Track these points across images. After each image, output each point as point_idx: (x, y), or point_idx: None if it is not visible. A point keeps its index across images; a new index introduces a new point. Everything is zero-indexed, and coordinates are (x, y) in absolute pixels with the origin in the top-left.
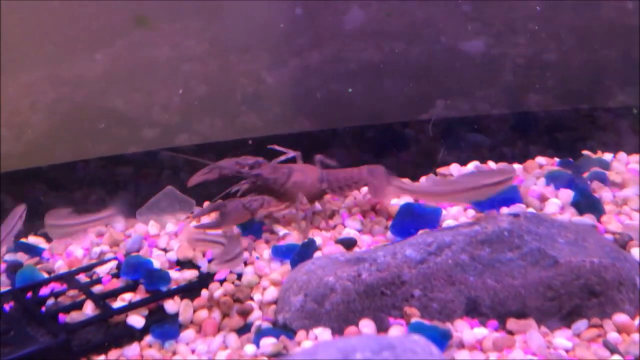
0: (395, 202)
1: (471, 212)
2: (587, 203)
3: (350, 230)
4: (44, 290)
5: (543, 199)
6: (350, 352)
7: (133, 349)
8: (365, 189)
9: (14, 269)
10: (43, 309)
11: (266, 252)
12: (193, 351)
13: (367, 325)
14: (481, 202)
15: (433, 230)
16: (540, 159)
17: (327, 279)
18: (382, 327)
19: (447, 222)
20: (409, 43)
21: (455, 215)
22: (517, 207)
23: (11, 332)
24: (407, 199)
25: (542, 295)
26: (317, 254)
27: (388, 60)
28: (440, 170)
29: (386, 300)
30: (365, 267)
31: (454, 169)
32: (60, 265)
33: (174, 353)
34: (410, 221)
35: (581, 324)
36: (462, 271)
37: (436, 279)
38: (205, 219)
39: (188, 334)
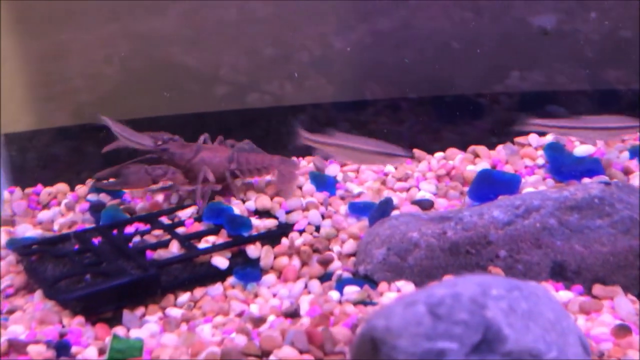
0: (472, 168)
1: (550, 182)
2: None
3: (424, 192)
4: (129, 229)
5: (627, 172)
6: (487, 287)
7: (216, 288)
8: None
9: (97, 208)
10: (130, 245)
11: (342, 208)
12: (274, 295)
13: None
14: (563, 172)
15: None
16: None
17: (411, 235)
18: None
19: (527, 190)
20: (478, 13)
21: (534, 183)
22: (599, 179)
23: (103, 263)
24: (483, 165)
25: (631, 264)
26: (394, 212)
27: (458, 30)
28: (518, 139)
29: (470, 259)
30: (451, 226)
31: (533, 139)
32: (141, 207)
33: (256, 295)
34: (489, 187)
35: None
36: (550, 235)
37: (523, 241)
38: None
39: (269, 278)
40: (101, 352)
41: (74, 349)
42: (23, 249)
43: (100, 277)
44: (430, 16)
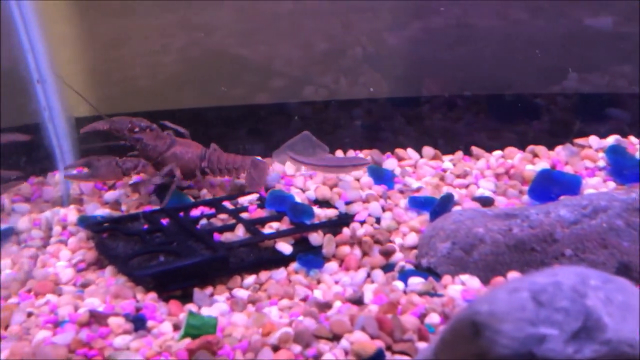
0: (531, 168)
1: (612, 184)
2: None
3: (483, 190)
4: (194, 212)
5: None
6: (585, 277)
7: (280, 272)
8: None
9: (162, 190)
10: (198, 227)
11: (402, 202)
12: (336, 282)
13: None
14: (624, 175)
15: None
16: None
17: (477, 230)
18: None
19: (588, 191)
20: (533, 14)
21: (595, 185)
22: None
23: (174, 243)
24: (543, 165)
25: None
26: (456, 208)
27: (512, 29)
28: (578, 141)
29: (535, 256)
30: (517, 223)
31: (593, 141)
32: (204, 193)
33: (319, 282)
34: (550, 187)
35: None
36: (617, 236)
37: (589, 241)
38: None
39: (331, 265)
40: (175, 327)
41: (149, 323)
42: (94, 226)
43: (172, 256)
44: (484, 15)
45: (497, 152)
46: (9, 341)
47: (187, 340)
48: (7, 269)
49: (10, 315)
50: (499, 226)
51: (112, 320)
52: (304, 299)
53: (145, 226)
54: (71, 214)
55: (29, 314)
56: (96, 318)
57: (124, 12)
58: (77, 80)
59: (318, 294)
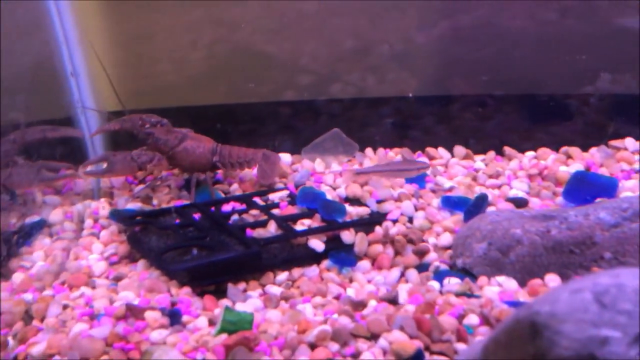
0: (565, 170)
1: None
2: None
3: (517, 191)
4: (225, 207)
5: None
6: None
7: (313, 270)
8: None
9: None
10: (229, 222)
11: (434, 201)
12: (369, 281)
13: (553, 280)
14: None
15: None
16: None
17: (514, 231)
18: None
19: (625, 194)
20: (563, 14)
21: (631, 188)
22: None
23: (207, 238)
24: (577, 166)
25: None
26: (490, 209)
27: (543, 29)
28: (613, 142)
29: (574, 259)
30: (555, 224)
31: (630, 143)
32: (235, 188)
33: (351, 280)
34: (585, 189)
35: None
36: None
37: (629, 244)
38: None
39: (364, 264)
40: (211, 322)
41: (184, 318)
42: (126, 220)
43: (205, 251)
44: (513, 15)
45: (530, 153)
46: (46, 333)
47: (224, 335)
48: (40, 261)
49: (45, 308)
50: (537, 227)
51: (149, 314)
52: (337, 297)
53: (177, 220)
54: (102, 207)
55: (65, 307)
56: (132, 311)
57: (152, 7)
58: (104, 75)
59: (351, 292)
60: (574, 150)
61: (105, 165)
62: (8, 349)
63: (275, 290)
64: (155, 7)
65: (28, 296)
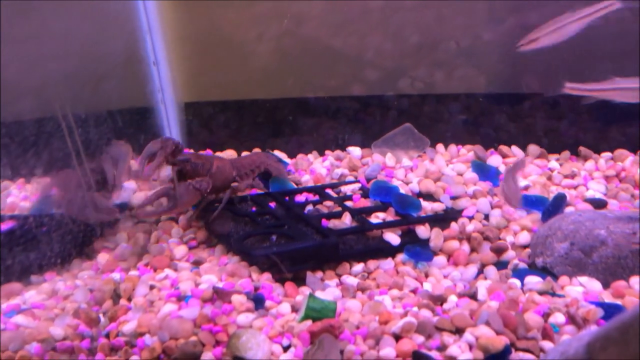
0: None
1: None
2: None
3: (594, 192)
4: (299, 198)
5: None
6: None
7: (388, 263)
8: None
9: (264, 175)
10: (305, 212)
11: None
12: (445, 276)
13: (638, 283)
14: None
15: None
16: None
17: (598, 232)
18: None
19: None
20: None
21: None
22: None
23: (285, 226)
24: None
25: None
26: (569, 209)
27: (615, 28)
28: None
29: None
30: None
31: None
32: (306, 180)
33: (427, 275)
34: None
35: None
36: None
37: None
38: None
39: (440, 259)
40: (293, 308)
41: (267, 303)
42: (205, 206)
43: (284, 239)
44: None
45: (606, 154)
46: (136, 312)
47: (308, 322)
48: (123, 242)
49: (132, 287)
50: (622, 229)
51: (235, 298)
52: (413, 291)
53: (254, 208)
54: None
55: (151, 287)
56: (219, 294)
57: (218, 2)
58: (172, 68)
59: (428, 286)
60: None
61: (166, 201)
62: (99, 326)
63: (351, 280)
64: (221, 1)
65: (116, 275)
